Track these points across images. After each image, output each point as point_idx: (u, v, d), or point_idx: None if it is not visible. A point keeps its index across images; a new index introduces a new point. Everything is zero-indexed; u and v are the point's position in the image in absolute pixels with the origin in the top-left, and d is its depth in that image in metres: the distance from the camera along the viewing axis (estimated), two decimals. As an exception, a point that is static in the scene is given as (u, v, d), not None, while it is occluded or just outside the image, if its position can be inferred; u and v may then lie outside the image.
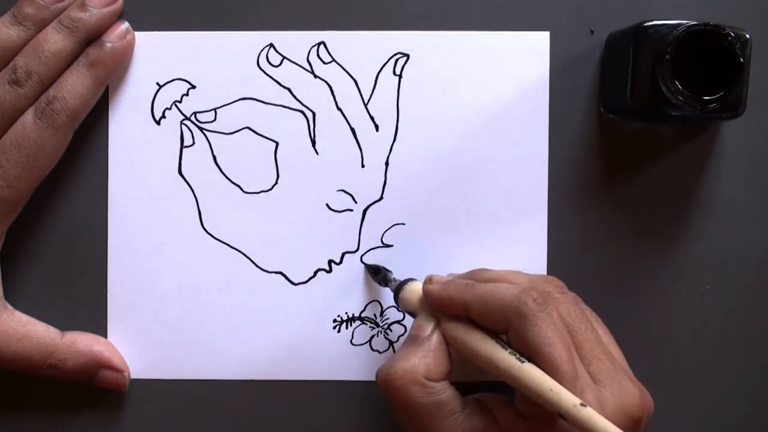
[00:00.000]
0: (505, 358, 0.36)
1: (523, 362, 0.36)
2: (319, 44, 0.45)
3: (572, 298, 0.39)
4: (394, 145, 0.45)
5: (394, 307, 0.46)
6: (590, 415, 0.34)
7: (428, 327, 0.40)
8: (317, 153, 0.45)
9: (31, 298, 0.45)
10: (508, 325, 0.37)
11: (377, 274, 0.45)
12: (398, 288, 0.42)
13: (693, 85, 0.38)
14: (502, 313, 0.37)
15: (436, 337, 0.39)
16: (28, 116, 0.42)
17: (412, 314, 0.42)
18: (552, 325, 0.36)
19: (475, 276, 0.41)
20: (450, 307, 0.39)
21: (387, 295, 0.45)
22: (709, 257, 0.46)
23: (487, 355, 0.37)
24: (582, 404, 0.34)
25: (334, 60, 0.45)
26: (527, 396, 0.36)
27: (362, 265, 0.45)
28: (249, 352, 0.45)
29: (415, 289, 0.42)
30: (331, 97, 0.45)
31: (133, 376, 0.45)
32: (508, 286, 0.38)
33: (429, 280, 0.40)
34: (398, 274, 0.45)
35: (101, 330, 0.45)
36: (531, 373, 0.35)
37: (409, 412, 0.38)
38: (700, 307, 0.46)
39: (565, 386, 0.35)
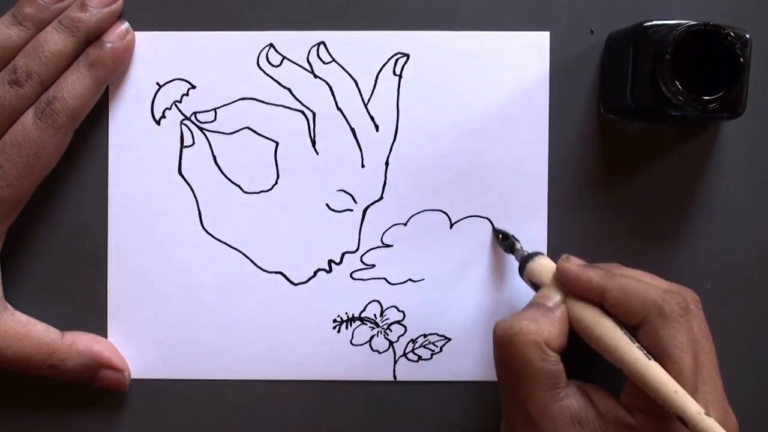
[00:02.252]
0: (632, 350, 0.37)
1: (650, 359, 0.36)
2: (319, 44, 0.45)
3: (703, 316, 0.39)
4: (394, 145, 0.45)
5: (394, 307, 0.46)
6: (712, 426, 0.34)
7: (555, 298, 0.40)
8: (317, 153, 0.45)
9: (31, 298, 0.45)
10: (644, 320, 0.37)
11: (505, 240, 0.44)
12: (526, 258, 0.42)
13: (693, 85, 0.38)
14: (642, 307, 0.37)
15: (562, 310, 0.39)
16: (28, 116, 0.42)
17: (536, 287, 0.42)
18: (687, 333, 0.37)
19: (612, 269, 0.40)
20: (585, 290, 0.39)
21: (387, 295, 0.45)
22: (709, 257, 0.46)
23: (614, 344, 0.37)
24: (706, 413, 0.34)
25: (334, 60, 0.45)
26: (640, 391, 0.36)
27: (362, 265, 0.45)
28: (249, 352, 0.45)
29: (545, 264, 0.42)
30: (331, 97, 0.45)
31: (133, 376, 0.45)
32: (651, 284, 0.38)
33: (566, 259, 0.40)
34: (398, 275, 0.45)
35: (101, 330, 0.45)
36: (657, 371, 0.36)
37: (517, 372, 0.38)
38: (700, 307, 0.46)
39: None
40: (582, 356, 0.39)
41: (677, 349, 0.36)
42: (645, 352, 0.37)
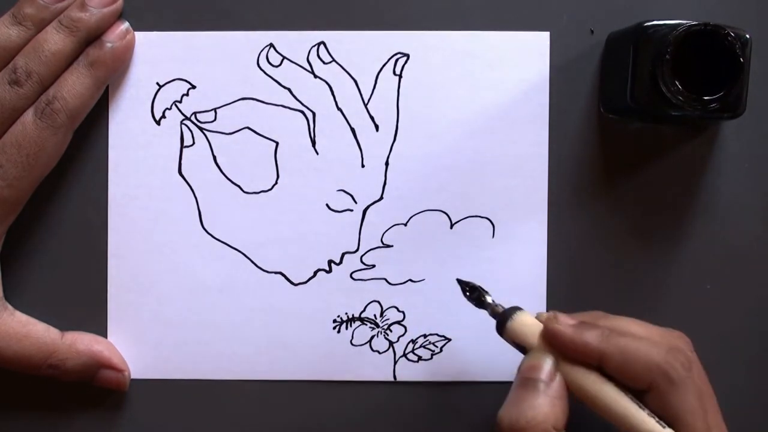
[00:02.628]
0: (645, 420, 0.35)
1: (664, 428, 0.35)
2: (319, 44, 0.45)
3: (697, 359, 0.38)
4: (394, 145, 0.45)
5: (394, 307, 0.46)
6: None
7: (545, 368, 0.37)
8: (317, 153, 0.45)
9: (31, 298, 0.45)
10: (650, 386, 0.36)
11: (472, 293, 0.41)
12: (504, 317, 0.39)
13: (693, 85, 0.38)
14: (647, 372, 0.36)
15: (558, 383, 0.37)
16: (28, 116, 0.42)
17: (520, 348, 0.39)
18: (695, 393, 0.36)
19: (600, 322, 0.38)
20: (582, 355, 0.37)
21: (387, 295, 0.45)
22: (710, 257, 0.46)
23: (623, 414, 0.36)
24: None
25: (334, 60, 0.45)
26: None
27: (362, 265, 0.45)
28: (249, 352, 0.45)
29: (527, 322, 0.39)
30: (331, 97, 0.45)
31: (133, 376, 0.45)
32: (651, 344, 0.36)
33: (554, 318, 0.38)
34: (398, 275, 0.45)
35: (101, 330, 0.45)
36: None
37: None
38: (700, 307, 0.46)
39: None
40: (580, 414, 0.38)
41: (689, 415, 0.35)
42: (657, 419, 0.35)
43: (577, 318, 0.39)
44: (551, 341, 0.37)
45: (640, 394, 0.36)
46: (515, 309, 0.39)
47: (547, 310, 0.45)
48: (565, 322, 0.38)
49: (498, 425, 0.37)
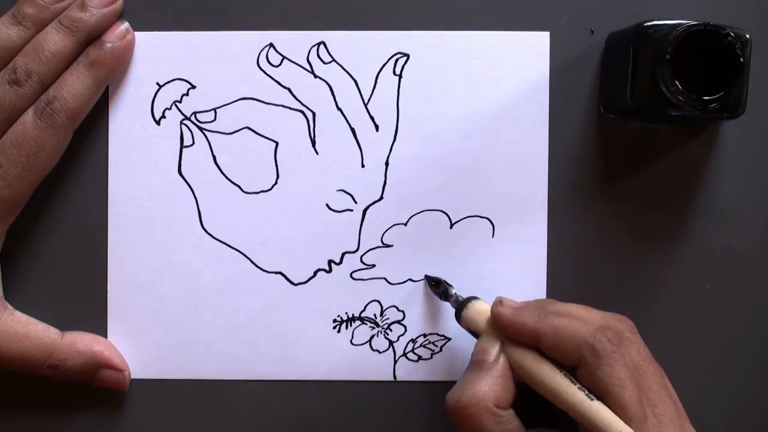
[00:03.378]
0: (574, 393, 0.37)
1: (592, 400, 0.36)
2: (319, 44, 0.45)
3: (641, 340, 0.39)
4: (394, 145, 0.45)
5: (394, 307, 0.46)
6: None
7: (492, 351, 0.39)
8: (317, 153, 0.45)
9: (31, 298, 0.45)
10: (580, 361, 0.37)
11: (438, 287, 0.44)
12: (461, 305, 0.42)
13: (693, 85, 0.38)
14: (576, 348, 0.37)
15: (502, 363, 0.39)
16: (28, 116, 0.42)
17: (474, 334, 0.41)
18: (624, 366, 0.37)
19: (545, 307, 0.40)
20: (521, 334, 0.39)
21: (387, 295, 0.45)
22: (709, 257, 0.46)
23: (555, 388, 0.37)
24: None
25: (334, 60, 0.45)
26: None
27: (362, 265, 0.45)
28: (249, 352, 0.45)
29: (479, 309, 0.41)
30: (331, 97, 0.45)
31: (133, 376, 0.45)
32: (582, 322, 0.38)
33: (499, 303, 0.40)
34: (398, 275, 0.45)
35: (101, 330, 0.45)
36: (600, 412, 0.36)
37: None
38: (700, 307, 0.46)
39: (632, 427, 0.35)
40: (537, 396, 0.39)
41: (616, 386, 0.36)
42: (587, 392, 0.36)
43: (523, 304, 0.41)
44: (495, 324, 0.40)
45: (573, 370, 0.38)
46: (471, 298, 0.42)
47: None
48: (508, 305, 0.40)
49: (445, 406, 0.39)
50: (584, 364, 0.37)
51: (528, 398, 0.39)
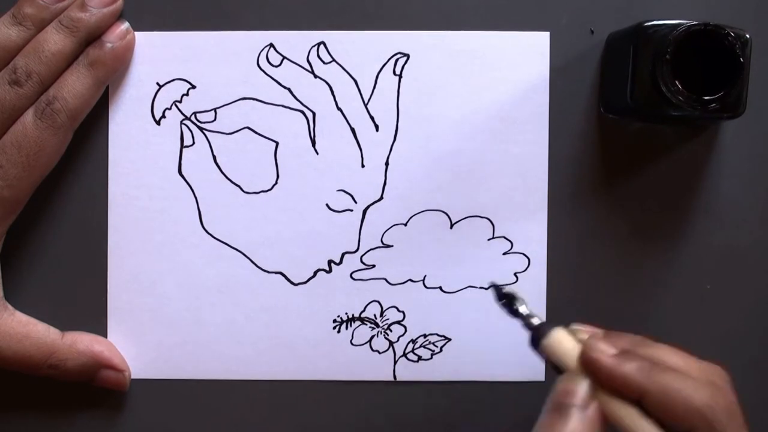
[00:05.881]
0: None
1: None
2: (319, 44, 0.45)
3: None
4: (394, 145, 0.45)
5: (394, 307, 0.46)
6: None
7: (580, 393, 0.35)
8: (317, 153, 0.45)
9: (31, 298, 0.45)
10: (691, 430, 0.34)
11: (508, 301, 0.39)
12: (540, 331, 0.37)
13: (693, 85, 0.38)
14: (688, 415, 0.34)
15: (594, 411, 0.35)
16: (28, 116, 0.42)
17: (554, 366, 0.37)
18: None
19: (644, 350, 0.36)
20: (622, 387, 0.34)
21: (387, 295, 0.45)
22: (710, 257, 0.46)
23: None
24: None
25: (334, 60, 0.45)
26: None
27: (362, 265, 0.45)
28: (249, 352, 0.45)
29: (564, 342, 0.36)
30: (331, 97, 0.45)
31: (133, 376, 0.45)
32: (695, 386, 0.34)
33: (594, 344, 0.35)
34: (398, 275, 0.45)
35: (101, 330, 0.45)
36: None
37: None
38: (700, 307, 0.46)
39: None
40: None
41: None
42: None
43: (615, 340, 0.37)
44: (590, 370, 0.35)
45: None
46: (551, 326, 0.37)
47: (546, 311, 0.45)
48: (605, 351, 0.35)
49: None
50: None
51: None
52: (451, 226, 0.45)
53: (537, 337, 0.37)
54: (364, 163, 0.45)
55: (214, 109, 0.45)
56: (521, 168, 0.45)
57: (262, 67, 0.45)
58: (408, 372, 0.46)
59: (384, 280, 0.46)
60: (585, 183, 0.45)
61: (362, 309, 0.46)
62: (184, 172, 0.45)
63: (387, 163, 0.45)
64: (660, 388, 0.34)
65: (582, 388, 0.35)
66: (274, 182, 0.45)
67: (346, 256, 0.46)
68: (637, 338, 0.37)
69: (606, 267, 0.46)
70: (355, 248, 0.45)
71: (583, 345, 0.36)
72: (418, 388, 0.46)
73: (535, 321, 0.38)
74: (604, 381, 0.35)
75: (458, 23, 0.45)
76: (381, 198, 0.45)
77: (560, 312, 0.45)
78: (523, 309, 0.39)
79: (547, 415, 0.35)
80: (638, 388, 0.34)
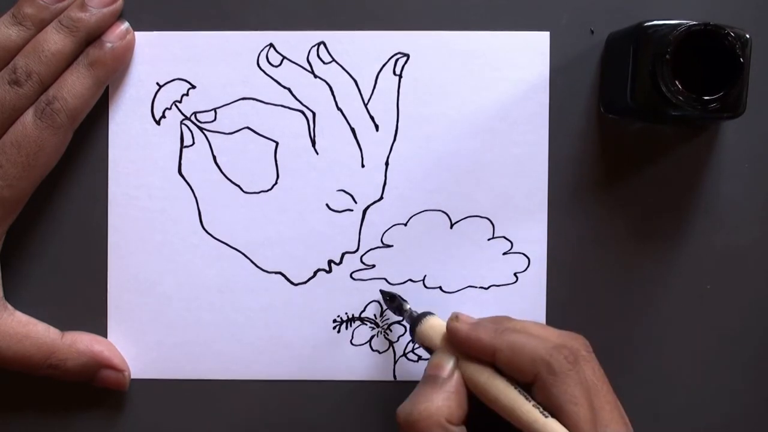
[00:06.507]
0: (529, 410, 0.36)
1: (546, 417, 0.36)
2: (319, 44, 0.45)
3: (595, 359, 0.39)
4: (394, 145, 0.45)
5: (394, 307, 0.46)
6: None
7: (447, 366, 0.39)
8: (317, 153, 0.45)
9: (31, 298, 0.45)
10: (535, 378, 0.37)
11: (392, 302, 0.44)
12: (415, 321, 0.42)
13: (693, 85, 0.38)
14: (532, 365, 0.37)
15: (456, 378, 0.39)
16: (28, 116, 0.42)
17: (428, 350, 0.41)
18: (579, 385, 0.37)
19: (501, 323, 0.40)
20: (476, 350, 0.38)
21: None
22: (709, 257, 0.46)
23: (510, 405, 0.37)
24: None
25: (334, 60, 0.45)
26: None
27: (362, 265, 0.45)
28: (249, 352, 0.45)
29: (434, 325, 0.41)
30: (331, 97, 0.45)
31: (133, 376, 0.45)
32: (539, 340, 0.38)
33: (455, 318, 0.40)
34: (398, 275, 0.45)
35: (101, 330, 0.45)
36: (554, 429, 0.36)
37: None
38: (700, 307, 0.46)
39: None
40: (489, 412, 0.38)
41: (570, 404, 0.36)
42: (541, 409, 0.36)
43: (479, 319, 0.40)
44: (450, 339, 0.39)
45: (528, 387, 0.38)
46: (426, 313, 0.42)
47: (546, 311, 0.45)
48: (464, 321, 0.39)
49: (396, 419, 0.39)
50: (539, 381, 0.37)
51: (480, 415, 0.39)
52: (451, 226, 0.45)
53: (413, 326, 0.42)
54: (364, 163, 0.45)
55: (214, 109, 0.45)
56: (521, 168, 0.45)
57: (262, 67, 0.45)
58: (408, 372, 0.46)
59: (384, 280, 0.46)
60: (585, 183, 0.45)
61: (362, 309, 0.46)
62: (184, 172, 0.45)
63: (387, 163, 0.45)
64: (508, 344, 0.38)
65: (447, 361, 0.39)
66: (274, 182, 0.45)
67: (346, 256, 0.46)
68: (502, 317, 0.41)
69: (606, 267, 0.46)
70: (355, 248, 0.46)
71: (447, 321, 0.40)
72: (418, 388, 0.46)
73: (414, 314, 0.42)
74: (461, 346, 0.39)
75: (458, 23, 0.45)
76: (381, 198, 0.45)
77: (560, 312, 0.45)
78: (405, 306, 0.43)
79: (420, 386, 0.39)
80: (490, 347, 0.38)
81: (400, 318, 0.44)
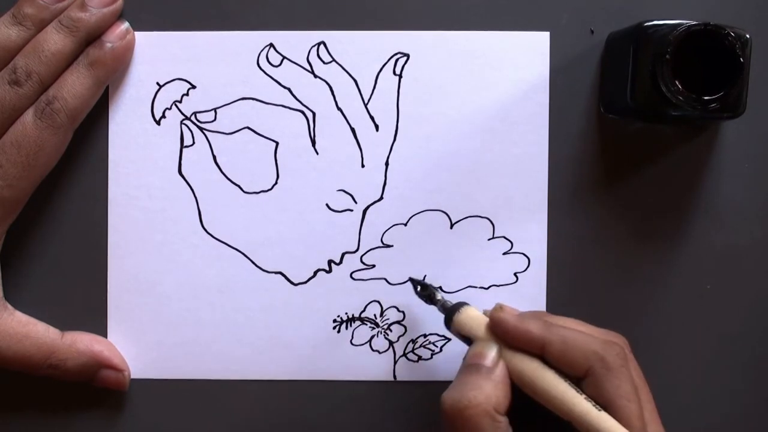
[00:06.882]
0: (581, 402, 0.36)
1: (599, 410, 0.36)
2: (319, 44, 0.45)
3: (635, 360, 0.39)
4: (394, 145, 0.45)
5: (394, 307, 0.46)
6: None
7: (490, 355, 0.38)
8: (317, 153, 0.45)
9: (31, 298, 0.45)
10: (587, 372, 0.37)
11: (424, 290, 0.43)
12: (450, 310, 0.41)
13: (693, 85, 0.38)
14: (585, 359, 0.37)
15: (501, 369, 0.38)
16: (28, 116, 0.42)
17: (466, 339, 0.40)
18: (630, 381, 0.37)
19: (545, 317, 0.40)
20: (524, 342, 0.38)
21: (387, 295, 0.45)
22: (709, 257, 0.46)
23: (560, 398, 0.37)
24: None
25: (334, 60, 0.45)
26: None
27: (362, 265, 0.45)
28: (249, 352, 0.45)
29: (473, 315, 0.40)
30: (331, 97, 0.45)
31: (133, 376, 0.45)
32: (589, 335, 0.38)
33: (500, 309, 0.39)
34: (398, 275, 0.45)
35: (101, 330, 0.45)
36: (608, 422, 0.36)
37: None
38: (700, 307, 0.46)
39: None
40: (525, 406, 0.38)
41: (623, 399, 0.36)
42: (593, 403, 0.36)
43: (522, 312, 0.40)
44: (495, 330, 0.39)
45: (578, 381, 0.38)
46: (462, 303, 0.41)
47: (546, 311, 0.45)
48: (510, 312, 0.39)
49: (441, 407, 0.38)
50: (592, 376, 0.37)
51: (518, 407, 0.38)
52: (451, 226, 0.45)
53: (450, 315, 0.41)
54: (364, 163, 0.45)
55: (214, 109, 0.45)
56: (521, 168, 0.45)
57: (262, 67, 0.45)
58: (408, 372, 0.46)
59: (384, 280, 0.46)
60: (585, 183, 0.45)
61: (362, 309, 0.46)
62: (184, 172, 0.45)
63: (387, 163, 0.45)
64: (559, 337, 0.37)
65: (491, 350, 0.39)
66: (274, 182, 0.45)
67: (346, 256, 0.46)
68: (540, 312, 0.42)
69: (606, 267, 0.46)
70: (355, 248, 0.46)
71: (490, 311, 0.39)
72: (418, 388, 0.46)
73: (448, 304, 0.42)
74: (508, 338, 0.38)
75: (458, 23, 0.45)
76: (381, 198, 0.45)
77: (560, 312, 0.45)
78: (438, 295, 0.43)
79: (459, 376, 0.39)
80: (539, 340, 0.38)
81: (431, 306, 0.43)
